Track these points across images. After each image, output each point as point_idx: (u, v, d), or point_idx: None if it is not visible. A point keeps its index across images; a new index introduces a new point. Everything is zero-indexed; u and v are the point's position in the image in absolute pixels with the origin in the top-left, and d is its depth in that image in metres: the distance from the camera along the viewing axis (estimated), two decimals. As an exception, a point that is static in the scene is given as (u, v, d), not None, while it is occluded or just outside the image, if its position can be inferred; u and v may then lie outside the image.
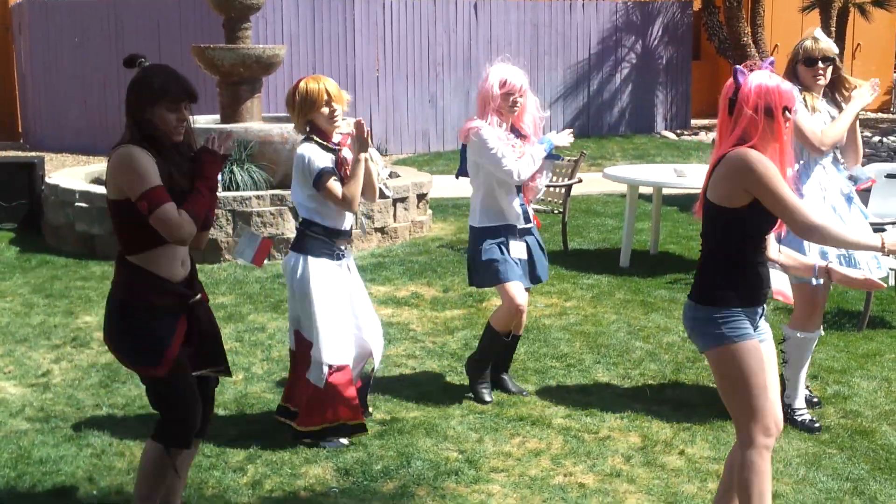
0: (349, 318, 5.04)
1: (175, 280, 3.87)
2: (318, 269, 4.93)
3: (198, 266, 8.40)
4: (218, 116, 10.56)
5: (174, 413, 3.94)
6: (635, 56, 18.24)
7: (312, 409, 4.94)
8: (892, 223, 7.97)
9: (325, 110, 4.88)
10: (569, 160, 9.72)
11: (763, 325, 3.80)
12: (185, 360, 3.91)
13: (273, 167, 9.51)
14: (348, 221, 5.07)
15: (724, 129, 3.68)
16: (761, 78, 3.63)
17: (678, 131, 18.33)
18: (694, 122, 18.99)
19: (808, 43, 5.23)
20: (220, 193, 9.07)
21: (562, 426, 5.23)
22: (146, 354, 3.83)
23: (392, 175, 10.59)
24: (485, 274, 5.46)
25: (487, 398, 5.58)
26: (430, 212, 10.76)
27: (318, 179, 4.84)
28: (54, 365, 6.20)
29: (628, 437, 5.11)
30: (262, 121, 10.34)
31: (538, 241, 5.65)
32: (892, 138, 16.05)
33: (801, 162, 5.28)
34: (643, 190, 9.56)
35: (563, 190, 9.54)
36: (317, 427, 4.94)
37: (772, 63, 3.77)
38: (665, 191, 9.92)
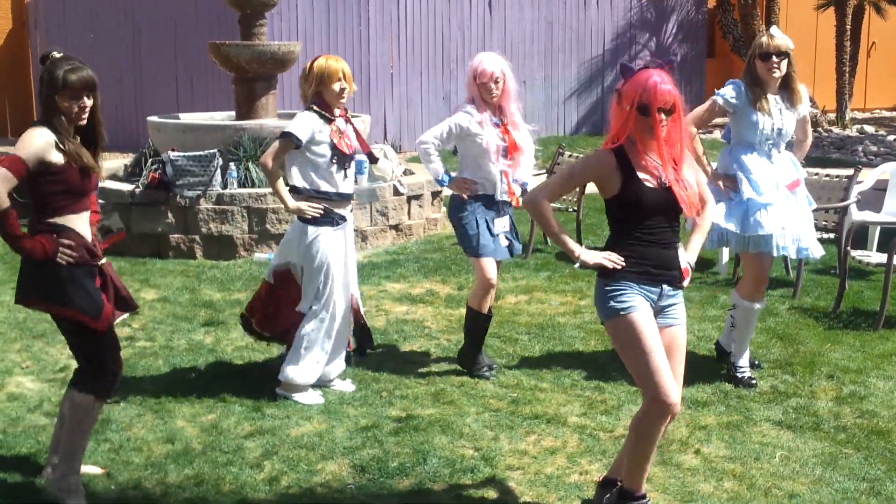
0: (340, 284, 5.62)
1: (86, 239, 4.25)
2: (321, 238, 5.49)
3: (214, 262, 8.45)
4: (233, 113, 10.58)
5: (108, 365, 4.33)
6: (649, 53, 18.19)
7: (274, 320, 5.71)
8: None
9: (337, 87, 5.43)
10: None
11: (675, 310, 4.03)
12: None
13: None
14: (341, 186, 5.54)
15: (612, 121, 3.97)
16: (644, 76, 3.85)
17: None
18: (708, 119, 18.93)
19: (764, 39, 5.67)
20: (236, 191, 9.12)
21: (577, 424, 5.24)
22: (92, 308, 4.19)
23: (406, 172, 10.61)
24: (463, 243, 5.93)
25: (490, 375, 5.93)
26: (444, 209, 10.76)
27: (281, 135, 5.43)
28: (72, 360, 6.21)
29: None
30: (277, 117, 10.36)
31: (511, 221, 6.06)
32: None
33: (731, 144, 5.87)
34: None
35: (577, 188, 9.53)
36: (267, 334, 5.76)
37: (670, 62, 3.99)
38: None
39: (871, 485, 4.57)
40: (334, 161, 5.47)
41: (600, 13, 17.71)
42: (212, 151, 9.21)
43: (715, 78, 19.60)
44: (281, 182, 5.46)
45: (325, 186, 5.48)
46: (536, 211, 4.08)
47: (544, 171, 10.53)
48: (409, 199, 9.91)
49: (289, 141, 5.39)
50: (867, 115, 20.08)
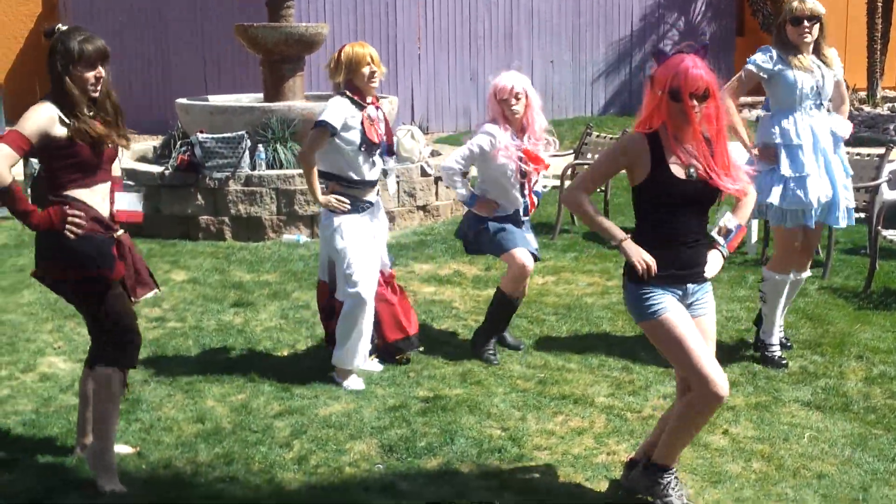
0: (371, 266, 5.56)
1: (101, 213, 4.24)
2: (346, 224, 5.47)
3: (243, 244, 8.49)
4: (261, 95, 10.61)
5: (128, 336, 4.34)
6: (678, 32, 18.05)
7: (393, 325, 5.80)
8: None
9: (367, 70, 5.40)
10: (611, 138, 9.69)
11: (702, 302, 4.00)
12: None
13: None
14: (367, 174, 5.51)
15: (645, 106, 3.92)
16: (676, 61, 3.79)
17: (721, 108, 18.13)
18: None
19: (795, 3, 5.60)
20: (265, 172, 9.17)
21: (604, 405, 5.24)
22: (101, 258, 4.19)
23: (434, 153, 10.60)
24: (491, 245, 5.90)
25: (495, 361, 5.88)
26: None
27: (315, 125, 5.42)
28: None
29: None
30: (304, 99, 10.38)
31: (529, 229, 6.08)
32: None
33: (771, 112, 5.77)
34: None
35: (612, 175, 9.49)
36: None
37: (704, 47, 3.90)
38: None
39: (900, 465, 4.55)
40: (362, 149, 5.45)
41: (628, -9, 17.58)
42: (240, 133, 9.25)
43: (744, 56, 19.43)
44: (315, 173, 5.44)
45: (351, 173, 5.47)
46: (577, 208, 4.02)
47: (571, 151, 10.50)
48: (437, 179, 9.91)
49: (324, 130, 5.36)
50: (898, 93, 19.82)
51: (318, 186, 5.46)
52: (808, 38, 5.61)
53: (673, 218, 3.89)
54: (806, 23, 5.57)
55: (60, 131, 4.06)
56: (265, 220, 9.15)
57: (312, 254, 8.40)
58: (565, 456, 4.65)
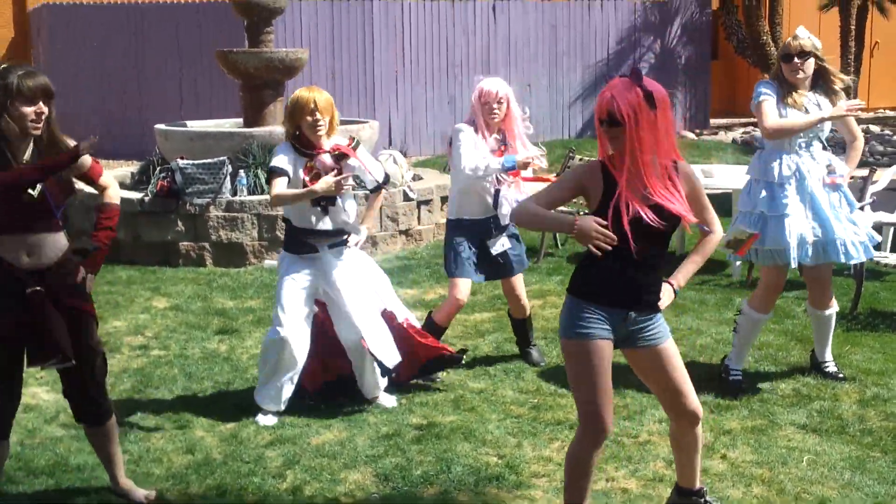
0: (305, 311, 5.42)
1: (19, 266, 3.96)
2: (285, 264, 5.43)
3: (224, 269, 8.34)
4: (241, 120, 10.54)
5: None
6: (654, 56, 18.15)
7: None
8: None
9: (309, 119, 5.21)
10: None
11: (650, 331, 3.82)
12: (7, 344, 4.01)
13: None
14: (325, 222, 5.35)
15: None
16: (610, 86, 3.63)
17: (697, 131, 18.23)
18: (713, 121, 18.89)
19: (788, 40, 5.58)
20: (246, 198, 9.09)
21: (600, 430, 5.18)
22: None
23: (415, 178, 10.57)
24: (447, 262, 6.01)
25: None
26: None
27: (267, 175, 5.37)
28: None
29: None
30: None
31: (515, 234, 6.06)
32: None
33: (765, 148, 5.71)
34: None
35: (568, 199, 9.48)
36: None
37: (634, 70, 3.66)
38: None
39: (901, 488, 4.52)
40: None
41: (604, 16, 17.67)
42: (221, 159, 9.17)
43: (718, 80, 19.60)
44: (290, 192, 5.22)
45: (297, 221, 5.34)
46: (523, 213, 3.79)
47: (554, 174, 10.48)
48: (419, 204, 9.87)
49: (278, 174, 5.22)
50: (871, 114, 20.03)
51: (300, 190, 5.21)
52: (801, 75, 5.54)
53: (622, 244, 3.59)
54: (797, 59, 5.52)
55: None
56: (246, 245, 9.07)
57: (296, 280, 8.31)
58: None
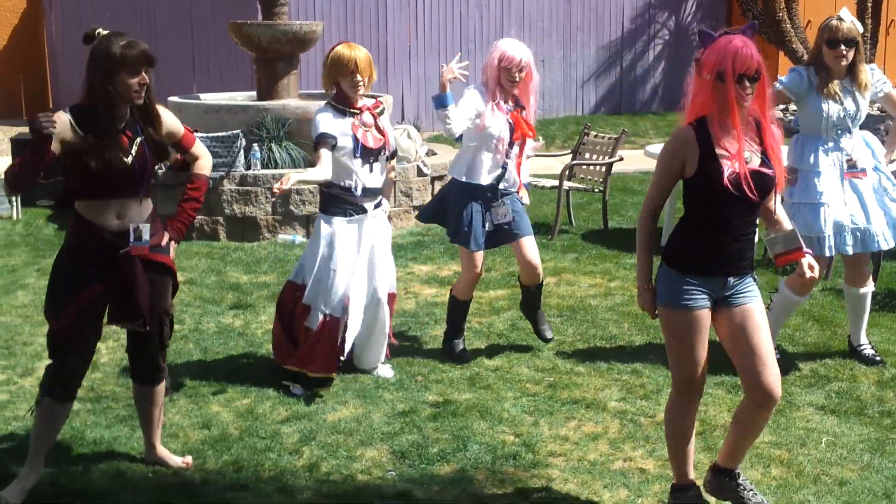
0: (348, 276, 5.34)
1: (108, 229, 4.06)
2: (326, 228, 5.33)
3: (237, 244, 8.32)
4: (255, 94, 10.48)
5: (59, 362, 4.14)
6: (668, 32, 18.00)
7: (282, 348, 5.51)
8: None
9: (350, 77, 5.20)
10: (609, 138, 9.63)
11: (744, 291, 3.84)
12: (89, 311, 4.09)
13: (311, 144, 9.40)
14: (367, 180, 5.32)
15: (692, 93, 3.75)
16: (724, 42, 3.60)
17: (711, 108, 18.10)
18: (727, 98, 18.76)
19: (833, 23, 5.36)
20: (260, 171, 9.05)
21: (617, 409, 5.16)
22: (53, 300, 4.08)
23: (429, 153, 10.51)
24: (457, 232, 5.76)
25: (463, 354, 5.93)
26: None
27: (315, 142, 5.22)
28: (101, 344, 6.11)
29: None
30: (298, 98, 10.26)
31: (514, 202, 5.82)
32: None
33: (801, 136, 5.61)
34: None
35: (603, 168, 9.44)
36: (290, 368, 5.41)
37: (751, 27, 3.73)
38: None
39: (920, 471, 4.49)
40: (357, 155, 5.27)
41: (619, -9, 17.52)
42: (235, 132, 9.13)
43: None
44: (303, 174, 5.40)
45: (347, 181, 5.30)
46: (641, 233, 3.93)
47: (568, 151, 10.43)
48: (433, 179, 9.81)
49: (325, 141, 5.18)
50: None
51: (301, 174, 5.31)
52: (844, 63, 5.40)
53: (722, 211, 3.72)
54: (843, 47, 5.35)
55: (73, 139, 3.96)
56: (260, 220, 9.03)
57: (309, 255, 8.29)
58: (581, 462, 4.57)
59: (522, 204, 5.89)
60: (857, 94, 5.50)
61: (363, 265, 5.41)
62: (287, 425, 4.95)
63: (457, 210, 5.75)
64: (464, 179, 5.74)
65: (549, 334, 6.08)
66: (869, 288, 5.79)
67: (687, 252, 3.82)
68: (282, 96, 10.02)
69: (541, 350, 6.07)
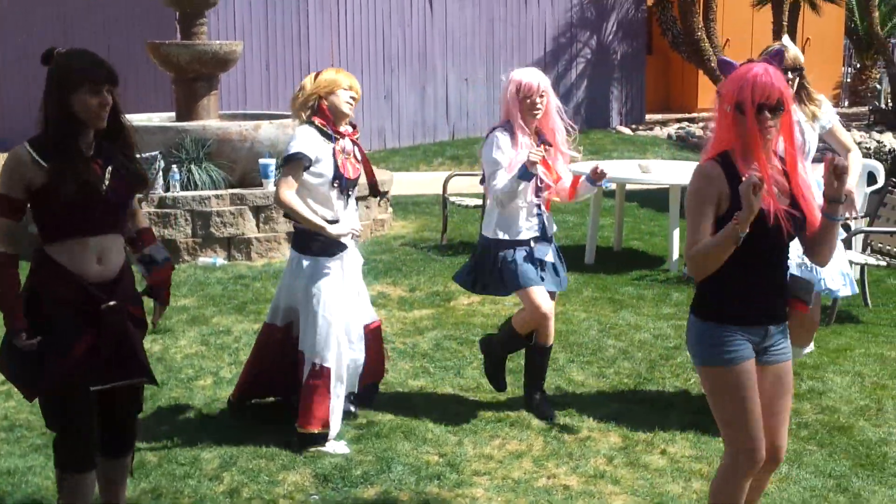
0: (339, 321, 4.95)
1: (87, 277, 3.61)
2: (309, 269, 4.89)
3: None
4: (173, 114, 10.35)
5: (65, 434, 3.67)
6: (590, 51, 18.25)
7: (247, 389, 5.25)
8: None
9: (345, 92, 4.87)
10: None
11: (781, 345, 3.56)
12: (83, 373, 3.60)
13: (232, 166, 9.32)
14: (336, 211, 4.89)
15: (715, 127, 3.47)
16: (743, 71, 3.33)
17: (633, 126, 18.38)
18: (648, 116, 19.05)
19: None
20: (179, 193, 8.93)
21: (541, 427, 5.17)
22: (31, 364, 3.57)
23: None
24: (506, 279, 5.14)
25: (503, 386, 5.51)
26: (390, 210, 10.66)
27: (285, 160, 4.80)
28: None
29: (608, 437, 5.05)
30: (219, 118, 10.15)
31: (556, 250, 5.33)
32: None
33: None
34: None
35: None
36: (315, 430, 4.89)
37: (778, 53, 3.45)
38: (627, 186, 9.92)
39: (837, 481, 4.57)
40: (335, 185, 4.84)
41: (541, 11, 17.70)
42: (153, 154, 8.99)
43: (654, 74, 19.74)
44: (303, 207, 4.76)
45: (322, 212, 4.84)
46: (694, 263, 3.38)
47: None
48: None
49: (298, 163, 4.72)
50: (802, 110, 20.41)
51: (317, 219, 4.77)
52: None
53: (754, 253, 3.35)
54: (789, 74, 5.10)
55: (37, 174, 3.51)
56: (180, 242, 8.90)
57: (230, 277, 8.20)
58: (505, 480, 4.56)
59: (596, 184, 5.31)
60: (803, 125, 5.28)
61: (350, 302, 5.03)
62: (207, 451, 4.86)
63: (494, 264, 5.16)
64: (493, 237, 5.15)
65: (546, 411, 5.35)
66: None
67: (724, 301, 3.45)
68: (202, 117, 9.91)
69: (465, 369, 6.06)
